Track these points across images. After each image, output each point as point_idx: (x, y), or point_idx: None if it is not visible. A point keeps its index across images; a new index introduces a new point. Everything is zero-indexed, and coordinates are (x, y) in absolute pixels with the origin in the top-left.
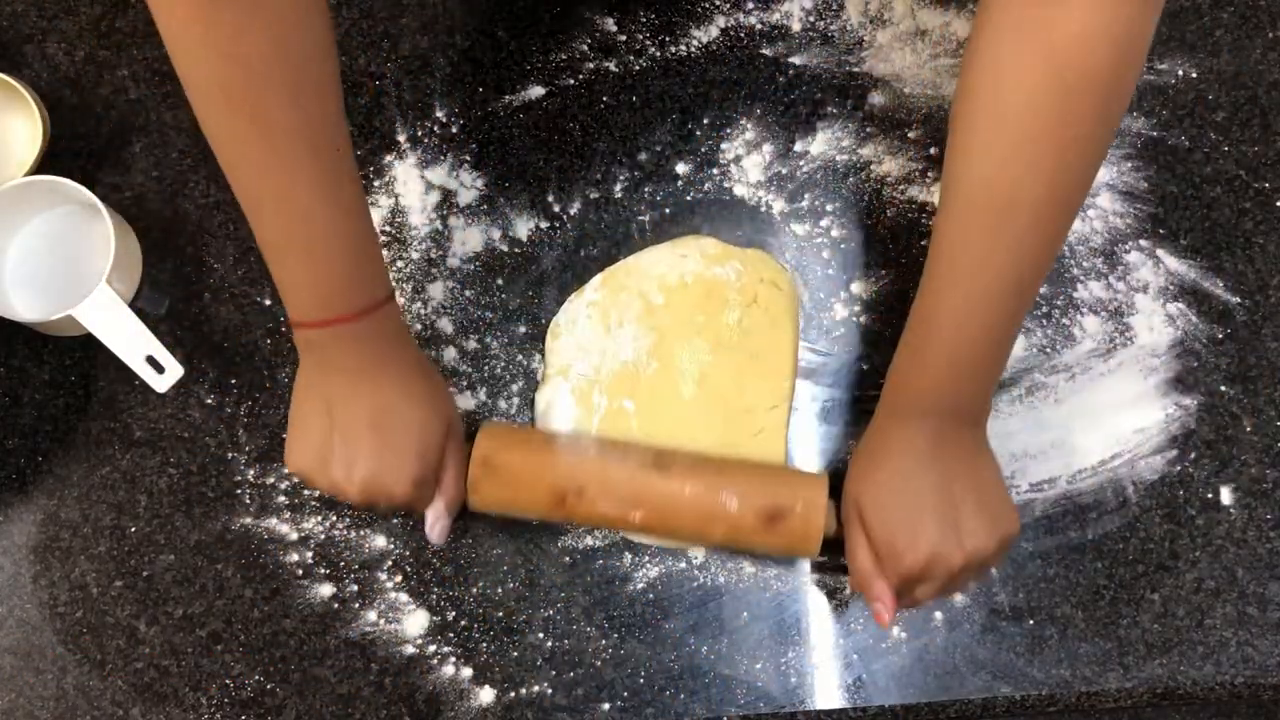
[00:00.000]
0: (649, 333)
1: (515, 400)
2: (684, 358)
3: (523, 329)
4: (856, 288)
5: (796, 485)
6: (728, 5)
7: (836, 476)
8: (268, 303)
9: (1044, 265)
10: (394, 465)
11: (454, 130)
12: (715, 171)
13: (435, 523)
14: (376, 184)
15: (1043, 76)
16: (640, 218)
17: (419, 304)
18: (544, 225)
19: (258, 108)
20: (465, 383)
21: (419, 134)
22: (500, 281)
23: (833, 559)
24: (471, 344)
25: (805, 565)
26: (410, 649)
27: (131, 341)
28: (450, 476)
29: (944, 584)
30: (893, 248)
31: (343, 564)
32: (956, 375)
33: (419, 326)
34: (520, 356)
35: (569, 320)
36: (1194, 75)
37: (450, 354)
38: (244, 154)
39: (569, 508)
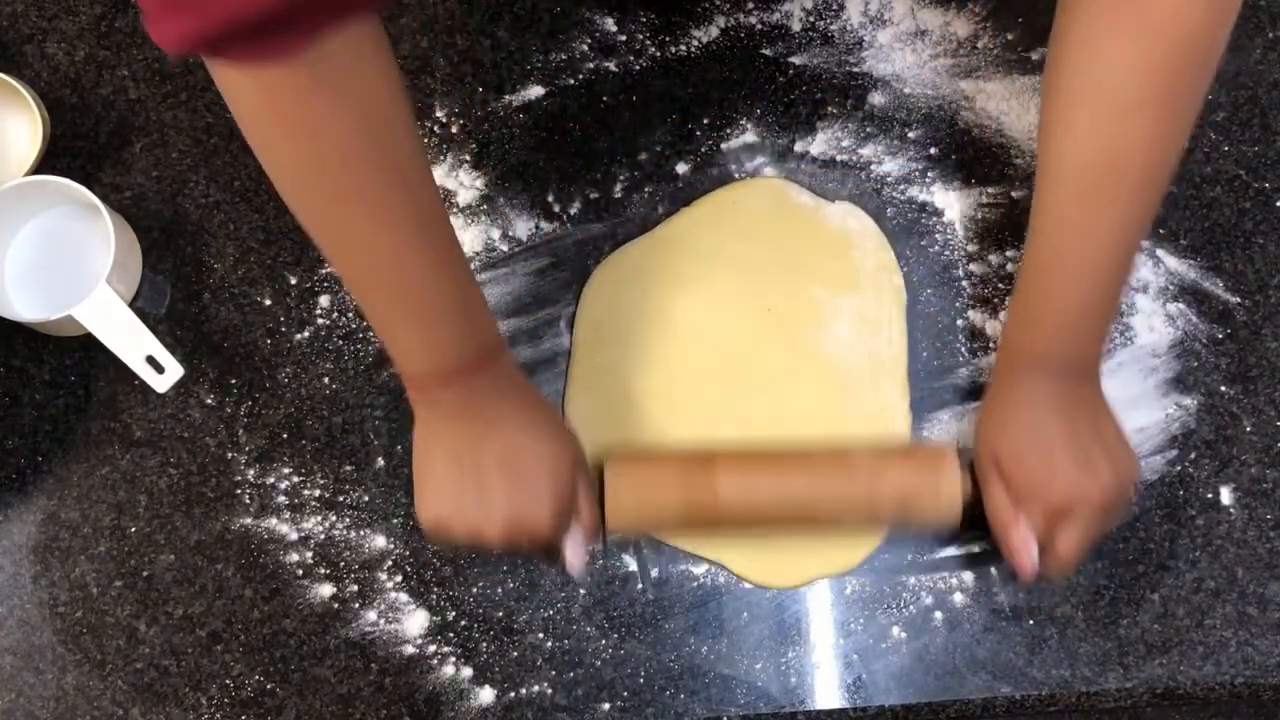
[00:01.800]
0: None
1: None
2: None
3: (523, 326)
4: None
5: (928, 456)
6: (728, 5)
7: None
8: (268, 303)
9: (1147, 223)
10: (532, 501)
11: (454, 130)
12: (715, 171)
13: (575, 553)
14: None
15: (1140, 47)
16: (640, 217)
17: None
18: (544, 225)
19: (358, 187)
20: None
21: (419, 134)
22: (500, 281)
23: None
24: None
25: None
26: (410, 649)
27: (131, 341)
28: (584, 504)
29: (1086, 525)
30: (893, 248)
31: (343, 564)
32: (1070, 336)
33: None
34: (523, 353)
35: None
36: None
37: None
38: (348, 233)
39: (702, 501)
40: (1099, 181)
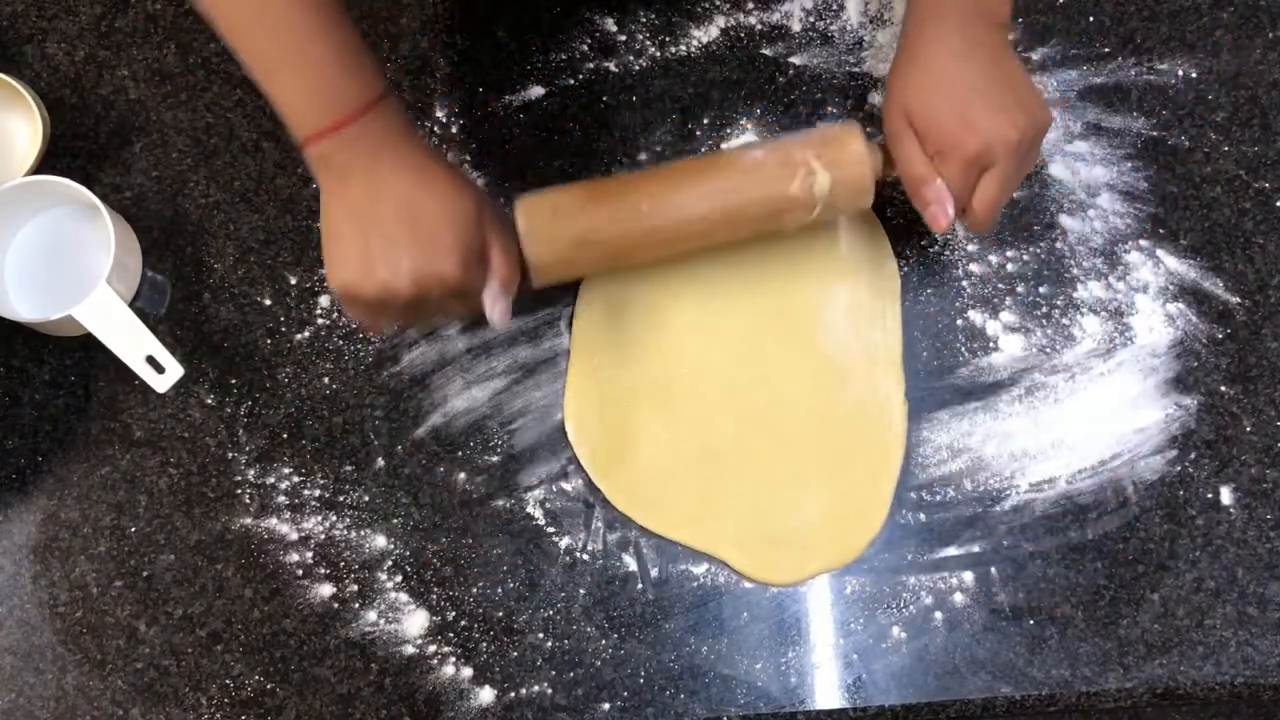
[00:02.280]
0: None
1: (526, 396)
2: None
3: (523, 326)
4: None
5: (835, 131)
6: (728, 5)
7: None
8: (268, 303)
9: None
10: (437, 248)
11: (454, 130)
12: None
13: (495, 304)
14: None
15: None
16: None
17: None
18: None
19: None
20: (463, 381)
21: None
22: None
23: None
24: (475, 341)
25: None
26: (410, 649)
27: (131, 341)
28: (497, 252)
29: (1004, 170)
30: (894, 247)
31: (343, 564)
32: None
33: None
34: (523, 353)
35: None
36: (1194, 75)
37: (451, 352)
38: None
39: (625, 222)
40: None
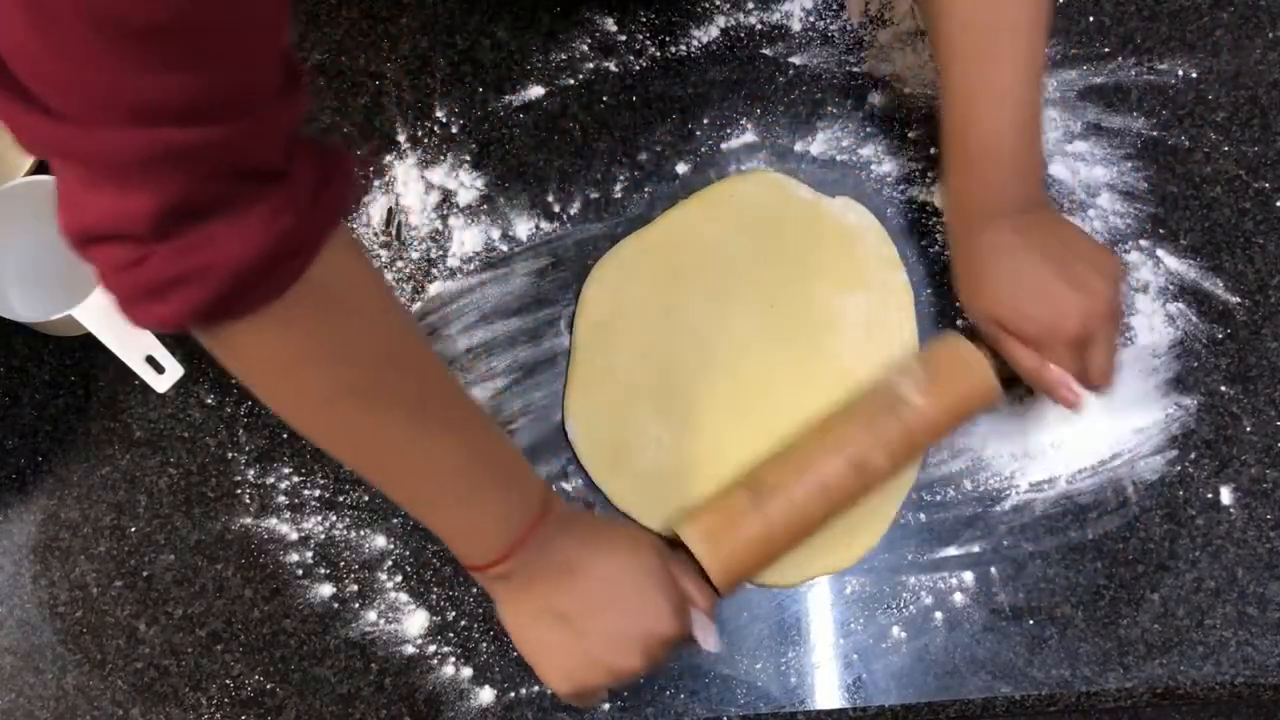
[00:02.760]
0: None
1: (526, 396)
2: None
3: (523, 326)
4: None
5: (945, 359)
6: (728, 5)
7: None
8: None
9: (1039, 69)
10: (653, 614)
11: (454, 130)
12: (715, 171)
13: (708, 634)
14: (376, 184)
15: None
16: (640, 218)
17: (419, 303)
18: (544, 225)
19: (391, 393)
20: (463, 381)
21: (419, 134)
22: (500, 281)
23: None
24: (475, 341)
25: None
26: (410, 649)
27: (131, 341)
28: (692, 588)
29: (1107, 336)
30: (894, 247)
31: (343, 564)
32: (1008, 168)
33: (418, 325)
34: (523, 353)
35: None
36: (1194, 75)
37: (451, 352)
38: (383, 445)
39: (778, 533)
40: (988, 39)
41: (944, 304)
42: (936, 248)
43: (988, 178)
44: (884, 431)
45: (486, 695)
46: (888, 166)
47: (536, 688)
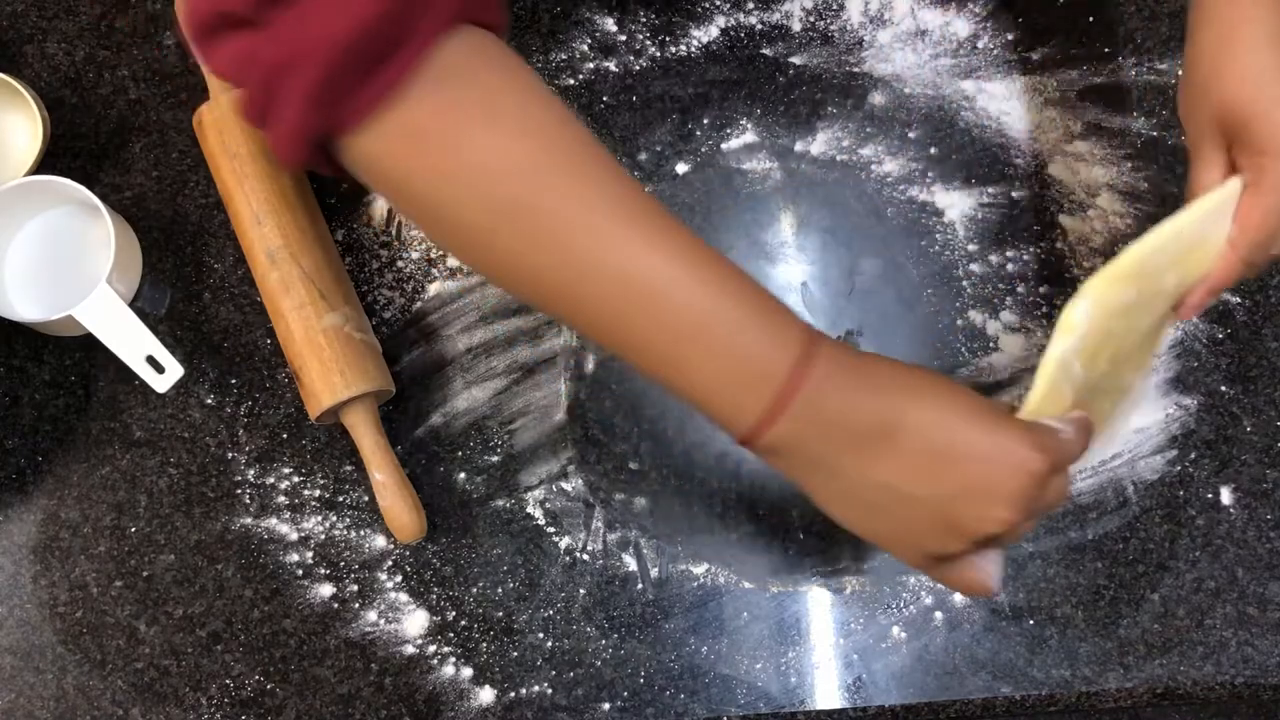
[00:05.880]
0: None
1: (526, 396)
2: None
3: (523, 326)
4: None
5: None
6: (728, 5)
7: None
8: None
9: None
10: (1012, 455)
11: None
12: (715, 171)
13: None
14: None
15: None
16: None
17: (419, 304)
18: None
19: (570, 176)
20: (463, 381)
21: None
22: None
23: None
24: (475, 341)
25: (803, 567)
26: (410, 649)
27: (131, 341)
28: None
29: None
30: (894, 248)
31: (343, 564)
32: None
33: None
34: (523, 353)
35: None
36: None
37: (450, 352)
38: (582, 251)
39: None
40: None
41: (943, 304)
42: (936, 248)
43: None
44: None
45: (486, 695)
46: (888, 166)
47: (536, 688)
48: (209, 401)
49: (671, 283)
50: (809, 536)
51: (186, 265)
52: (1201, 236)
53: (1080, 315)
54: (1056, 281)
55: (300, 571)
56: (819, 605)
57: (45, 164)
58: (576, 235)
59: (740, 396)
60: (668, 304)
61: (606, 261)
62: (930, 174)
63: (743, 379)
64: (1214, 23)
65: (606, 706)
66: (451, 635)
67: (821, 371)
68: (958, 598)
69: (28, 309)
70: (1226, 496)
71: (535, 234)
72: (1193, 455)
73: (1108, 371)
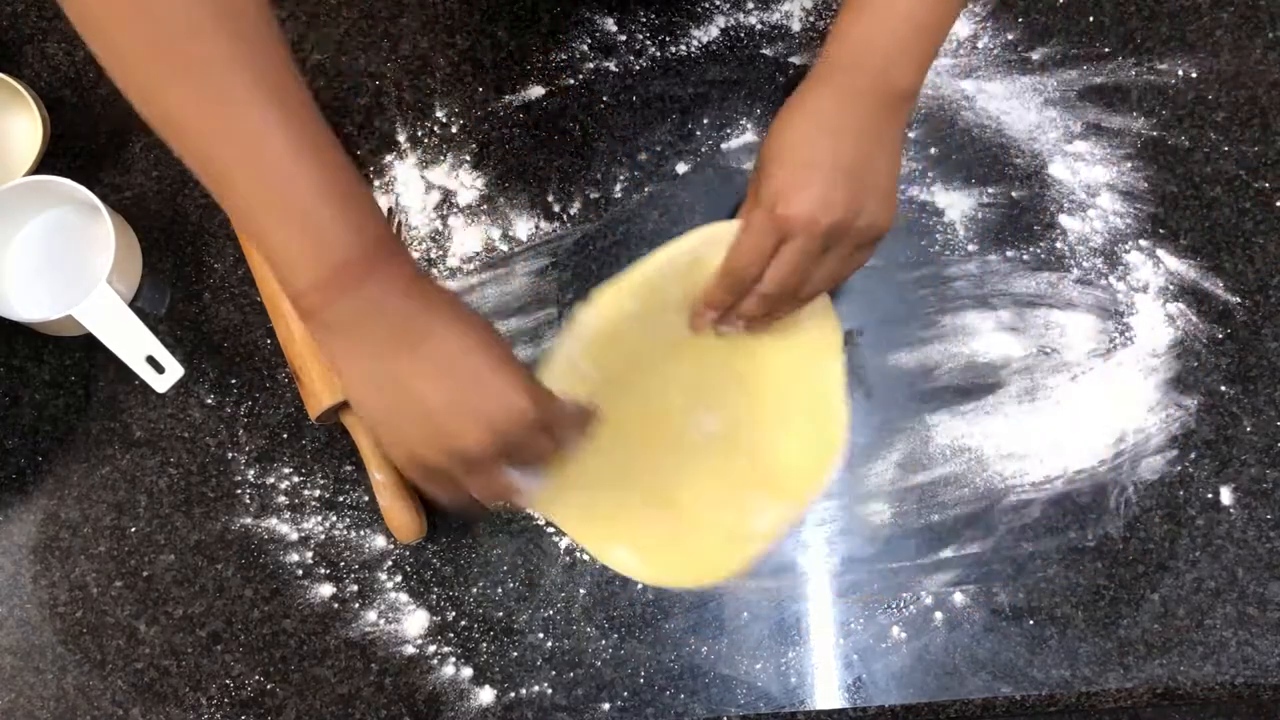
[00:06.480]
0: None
1: None
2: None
3: (523, 326)
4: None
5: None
6: (728, 5)
7: None
8: None
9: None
10: (502, 390)
11: (454, 130)
12: (715, 171)
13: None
14: (377, 184)
15: None
16: (640, 217)
17: None
18: (544, 225)
19: (202, 59)
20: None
21: (419, 134)
22: (500, 281)
23: None
24: None
25: (804, 565)
26: (410, 649)
27: (131, 341)
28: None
29: (802, 247)
30: (894, 248)
31: (343, 564)
32: (878, 52)
33: None
34: (522, 353)
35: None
36: (1194, 75)
37: None
38: (197, 115)
39: None
40: None
41: (942, 304)
42: (936, 248)
43: (852, 45)
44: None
45: (486, 695)
46: None
47: (536, 688)
48: (209, 401)
49: (286, 163)
50: (809, 537)
51: (186, 265)
52: (698, 258)
53: (586, 319)
54: (1056, 281)
55: (300, 571)
56: (819, 605)
57: (45, 164)
58: (226, 87)
59: (298, 260)
60: (280, 171)
61: (238, 128)
62: (930, 174)
63: (311, 247)
64: (797, 94)
65: (606, 706)
66: (451, 635)
67: (390, 271)
68: (958, 597)
69: (28, 309)
70: (1226, 496)
71: (187, 70)
72: (1193, 455)
73: (627, 373)
